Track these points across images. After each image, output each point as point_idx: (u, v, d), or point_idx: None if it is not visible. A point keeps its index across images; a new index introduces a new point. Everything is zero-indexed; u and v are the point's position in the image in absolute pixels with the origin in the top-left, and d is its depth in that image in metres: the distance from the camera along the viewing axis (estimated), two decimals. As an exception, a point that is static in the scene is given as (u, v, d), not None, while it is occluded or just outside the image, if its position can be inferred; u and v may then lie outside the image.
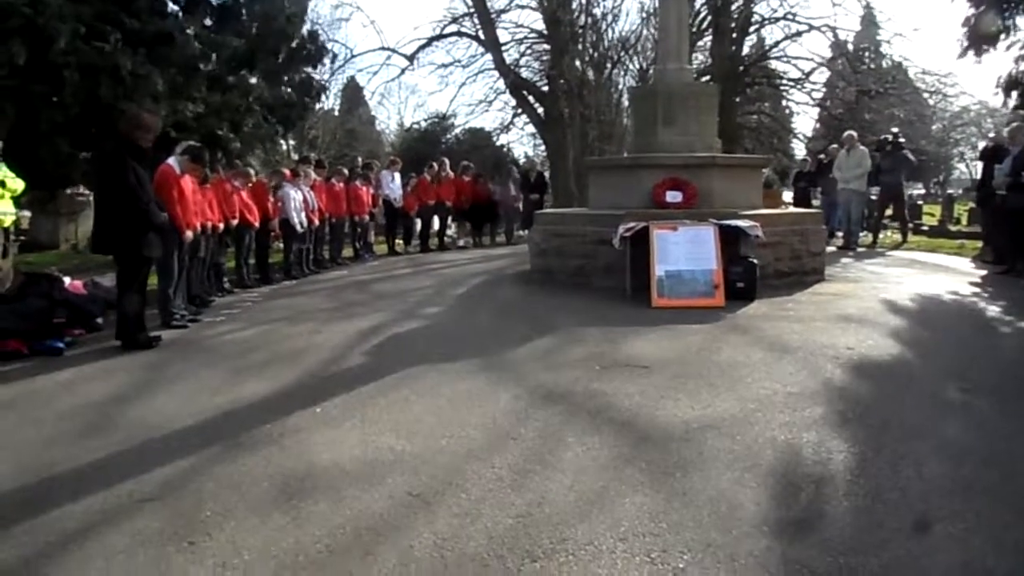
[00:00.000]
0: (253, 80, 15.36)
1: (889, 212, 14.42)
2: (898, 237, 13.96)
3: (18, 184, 7.86)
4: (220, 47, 14.26)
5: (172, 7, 14.67)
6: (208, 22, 15.07)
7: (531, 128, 25.96)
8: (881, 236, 13.98)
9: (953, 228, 16.47)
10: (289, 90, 16.07)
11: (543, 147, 25.77)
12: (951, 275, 9.54)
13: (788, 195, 18.82)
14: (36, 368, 5.65)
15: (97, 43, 11.63)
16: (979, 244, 11.97)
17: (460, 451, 3.71)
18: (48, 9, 10.98)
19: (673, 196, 8.79)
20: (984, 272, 9.76)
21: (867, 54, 25.70)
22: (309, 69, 17.50)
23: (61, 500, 3.23)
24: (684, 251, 7.70)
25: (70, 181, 14.20)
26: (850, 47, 24.38)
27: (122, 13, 12.42)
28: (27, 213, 14.65)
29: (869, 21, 24.37)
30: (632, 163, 10.08)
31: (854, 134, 13.77)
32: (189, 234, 7.32)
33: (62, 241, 15.83)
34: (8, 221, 7.70)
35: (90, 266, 10.60)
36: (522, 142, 30.89)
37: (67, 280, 7.21)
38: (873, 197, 15.22)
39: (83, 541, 2.88)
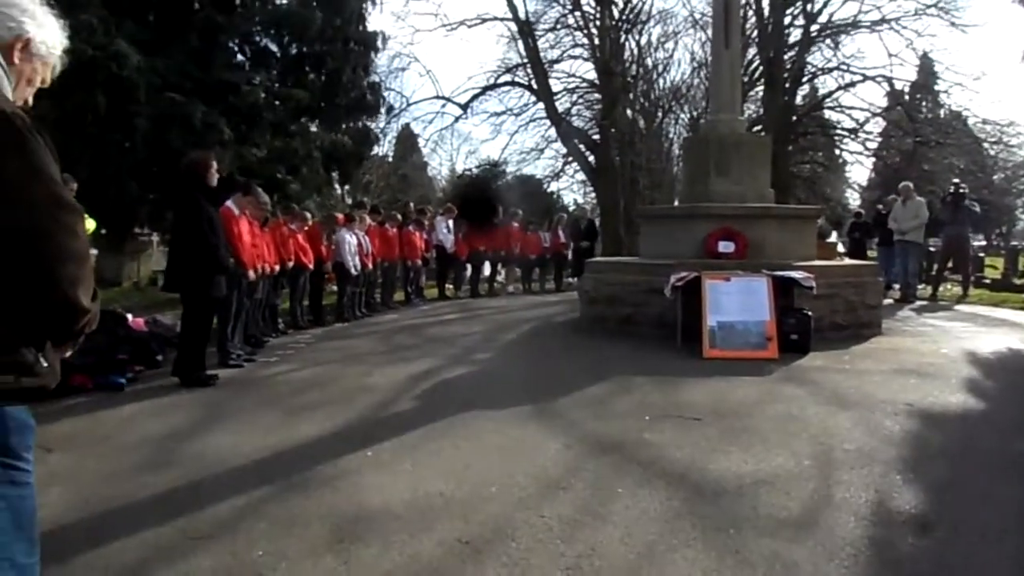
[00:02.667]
0: (314, 128, 15.91)
1: (950, 264, 14.06)
2: (959, 290, 13.58)
3: (89, 224, 8.22)
4: (285, 98, 14.85)
5: (240, 58, 15.35)
6: (273, 72, 15.73)
7: (581, 176, 26.20)
8: (941, 289, 13.61)
9: (1018, 281, 15.92)
10: (347, 139, 16.56)
11: (593, 194, 25.92)
12: (1016, 330, 9.21)
13: (841, 246, 18.54)
14: (99, 403, 5.83)
15: (170, 94, 12.23)
16: (1045, 299, 11.57)
17: (510, 499, 3.69)
18: (129, 63, 11.61)
19: (725, 246, 8.74)
20: (1051, 328, 9.41)
21: (924, 104, 25.38)
22: (367, 119, 18.06)
23: (119, 533, 3.29)
24: (736, 302, 7.62)
25: (136, 221, 14.80)
26: (906, 97, 24.14)
27: (193, 65, 13.05)
28: (94, 252, 15.26)
29: (926, 71, 24.10)
30: (684, 212, 10.08)
31: (910, 185, 13.58)
32: (251, 273, 7.54)
33: (125, 279, 16.39)
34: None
35: (151, 304, 10.96)
36: (572, 189, 31.12)
37: (130, 317, 7.46)
38: (932, 249, 14.89)
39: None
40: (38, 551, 1.69)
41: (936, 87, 24.03)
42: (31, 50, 1.77)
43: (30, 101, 1.85)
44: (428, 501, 3.66)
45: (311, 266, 9.94)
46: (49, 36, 1.81)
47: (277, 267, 8.78)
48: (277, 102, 14.86)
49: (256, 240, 7.85)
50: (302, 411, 5.54)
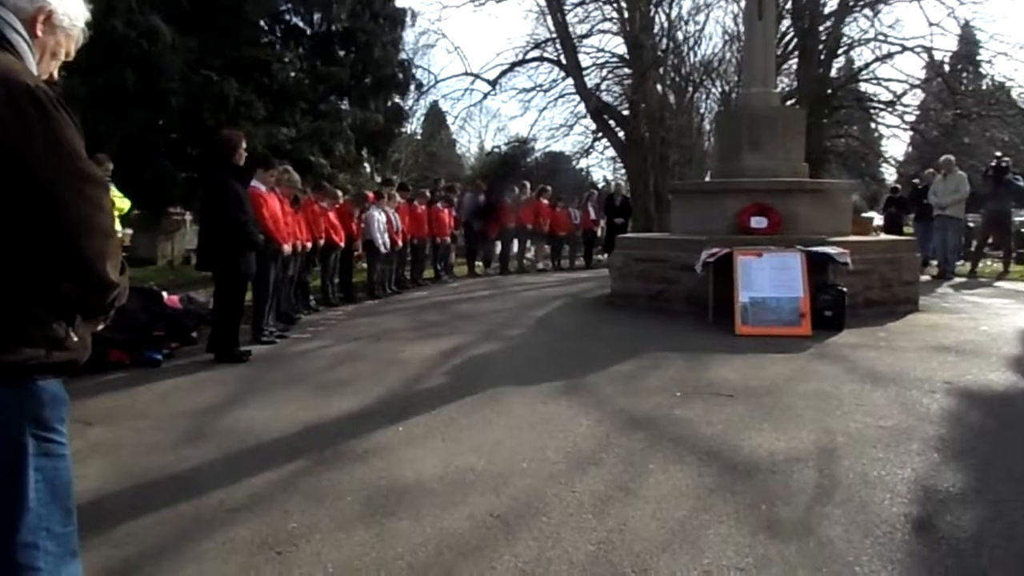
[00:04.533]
0: (344, 106, 15.92)
1: (990, 240, 13.73)
2: (999, 267, 13.26)
3: (124, 203, 8.36)
4: (317, 76, 14.87)
5: (270, 37, 15.39)
6: (302, 50, 15.75)
7: (611, 152, 25.94)
8: (980, 265, 13.30)
9: (1061, 258, 15.50)
10: (378, 116, 16.57)
11: (623, 171, 25.69)
12: (1059, 308, 8.98)
13: (878, 220, 18.20)
14: (136, 378, 5.94)
15: (204, 71, 12.31)
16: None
17: (541, 474, 3.70)
18: (162, 39, 11.69)
19: (758, 221, 8.61)
20: (1096, 305, 9.15)
21: (965, 75, 24.63)
22: (396, 96, 18.04)
23: (158, 505, 3.37)
24: (769, 278, 7.52)
25: (169, 200, 14.99)
26: (946, 68, 23.42)
27: (224, 43, 13.11)
28: (130, 231, 15.53)
29: (968, 40, 23.34)
30: (716, 188, 9.94)
31: (952, 158, 13.24)
32: (287, 248, 7.59)
33: (159, 257, 16.63)
34: (115, 238, 8.14)
35: (185, 282, 11.11)
36: (602, 166, 30.86)
37: (165, 295, 7.56)
38: (971, 224, 14.55)
39: (178, 545, 3.00)
40: (75, 521, 1.72)
41: (978, 57, 23.23)
42: (53, 22, 1.75)
43: (55, 74, 1.84)
44: (460, 476, 3.69)
45: (342, 244, 9.99)
46: (71, 8, 1.79)
47: (309, 244, 8.83)
48: (307, 80, 14.89)
49: (287, 218, 7.89)
50: (334, 386, 5.60)
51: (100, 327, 1.82)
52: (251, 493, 3.52)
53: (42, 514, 1.60)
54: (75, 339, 1.65)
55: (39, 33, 1.73)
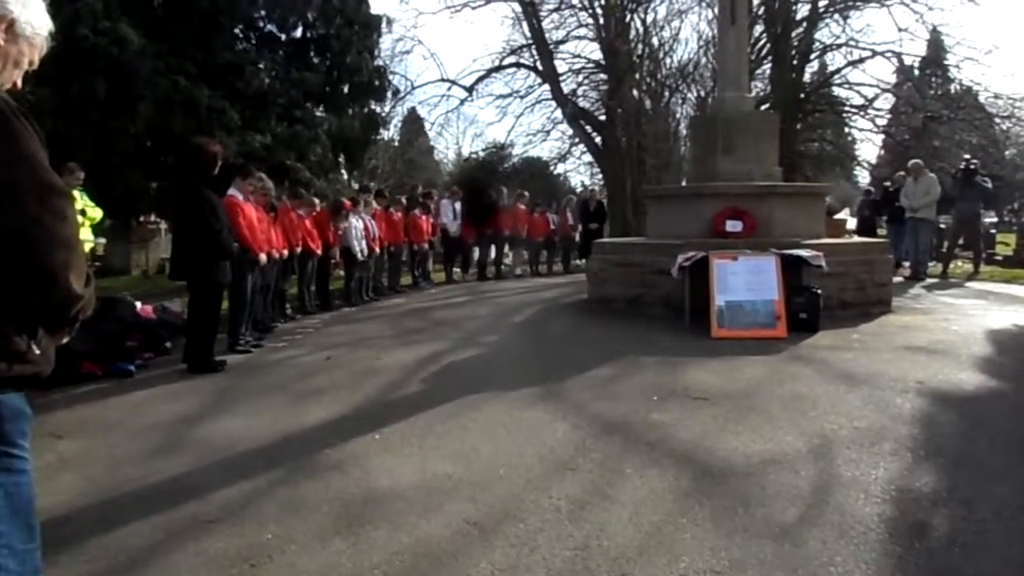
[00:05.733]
0: (320, 113, 15.85)
1: (961, 241, 13.94)
2: (969, 267, 13.48)
3: (97, 213, 8.28)
4: (291, 82, 14.78)
5: (245, 45, 15.28)
6: (276, 57, 15.65)
7: (588, 157, 26.05)
8: (952, 266, 13.51)
9: (1029, 258, 15.76)
10: (354, 123, 16.51)
11: (600, 176, 25.79)
12: (1028, 307, 9.13)
13: (851, 223, 18.39)
14: (109, 390, 5.86)
15: (173, 77, 12.18)
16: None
17: (518, 480, 3.69)
18: (131, 46, 11.56)
19: (733, 225, 8.68)
20: (1064, 304, 9.32)
21: (934, 79, 25.01)
22: (373, 103, 17.99)
23: (131, 518, 3.32)
24: (744, 281, 7.58)
25: (141, 210, 14.82)
26: (916, 72, 23.78)
27: (197, 49, 12.99)
28: (103, 240, 15.34)
29: (936, 45, 23.73)
30: (691, 192, 10.01)
31: (920, 162, 13.46)
32: (263, 256, 7.53)
33: (133, 267, 16.44)
34: (87, 248, 8.05)
35: (159, 291, 10.98)
36: (579, 171, 30.93)
37: (138, 305, 7.47)
38: (942, 226, 14.77)
39: (150, 559, 2.95)
40: (37, 537, 1.69)
41: (946, 62, 23.61)
42: (16, 31, 1.72)
43: (19, 84, 1.80)
44: (436, 483, 3.67)
45: (318, 251, 9.93)
46: (34, 16, 1.75)
47: (286, 252, 8.77)
48: (281, 86, 14.80)
49: (263, 226, 7.82)
50: (310, 395, 5.56)
51: (65, 340, 1.78)
52: (226, 504, 3.48)
53: (2, 531, 1.56)
54: (38, 352, 1.61)
55: (1, 42, 1.70)
